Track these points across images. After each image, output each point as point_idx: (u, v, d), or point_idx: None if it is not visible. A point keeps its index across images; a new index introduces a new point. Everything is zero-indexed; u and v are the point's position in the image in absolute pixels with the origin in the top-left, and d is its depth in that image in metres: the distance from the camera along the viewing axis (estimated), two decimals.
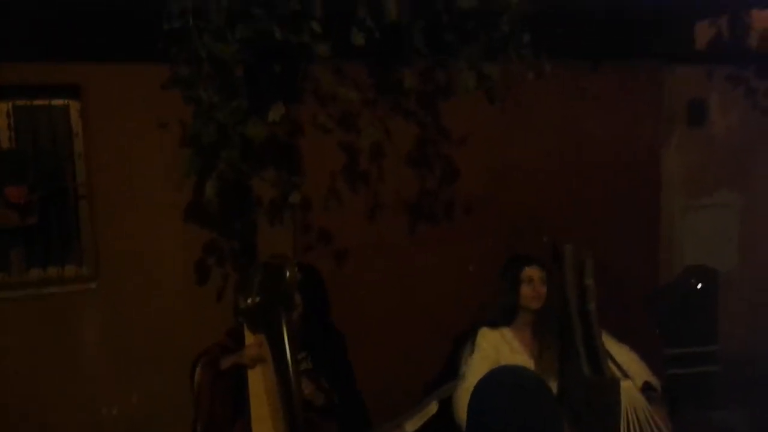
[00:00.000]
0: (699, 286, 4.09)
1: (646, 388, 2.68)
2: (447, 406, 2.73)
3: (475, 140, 3.63)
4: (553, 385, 2.75)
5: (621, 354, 2.80)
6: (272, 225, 3.40)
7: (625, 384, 2.49)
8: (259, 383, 2.51)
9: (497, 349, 2.77)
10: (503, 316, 2.82)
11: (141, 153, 3.21)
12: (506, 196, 3.74)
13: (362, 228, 3.52)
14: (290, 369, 2.29)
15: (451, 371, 2.87)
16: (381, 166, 3.52)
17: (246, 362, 2.49)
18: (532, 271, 2.78)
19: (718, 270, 4.16)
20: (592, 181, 3.88)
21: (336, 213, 3.45)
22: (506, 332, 2.81)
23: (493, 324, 2.82)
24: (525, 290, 2.77)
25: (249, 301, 2.50)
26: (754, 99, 4.39)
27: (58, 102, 3.19)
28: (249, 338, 2.56)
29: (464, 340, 2.90)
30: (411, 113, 3.54)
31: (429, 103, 3.55)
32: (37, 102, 3.16)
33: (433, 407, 2.64)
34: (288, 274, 2.34)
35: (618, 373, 2.62)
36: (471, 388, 2.66)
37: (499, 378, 1.64)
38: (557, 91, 3.74)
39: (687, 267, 4.25)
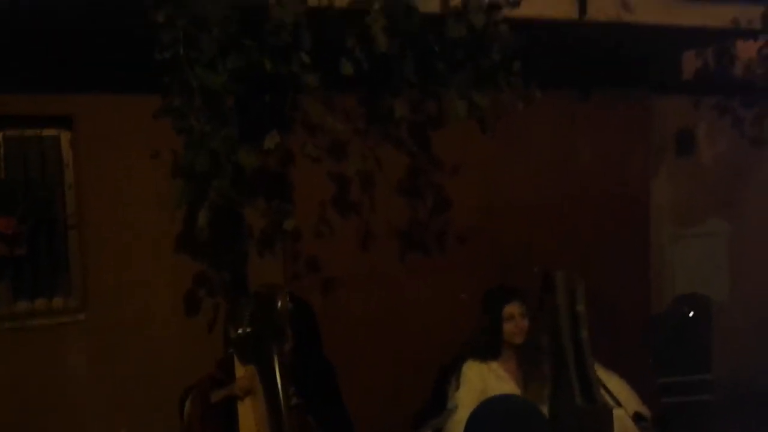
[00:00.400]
0: (691, 314, 4.08)
1: (637, 419, 2.68)
2: None
3: (466, 169, 3.65)
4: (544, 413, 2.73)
5: (611, 384, 2.79)
6: (262, 255, 3.39)
7: (617, 413, 2.49)
8: (248, 415, 2.47)
9: (483, 379, 2.79)
10: (488, 351, 2.85)
11: (132, 183, 3.21)
12: (497, 226, 3.75)
13: (353, 257, 3.52)
14: (281, 401, 2.26)
15: (438, 401, 2.86)
16: (372, 196, 3.53)
17: (237, 394, 2.46)
18: (512, 308, 2.83)
19: (710, 298, 4.16)
20: (583, 211, 3.90)
21: (326, 242, 3.45)
22: (492, 363, 2.83)
23: (479, 357, 2.82)
24: (507, 327, 2.83)
25: (240, 331, 2.46)
26: (741, 128, 4.45)
27: (49, 132, 3.19)
28: (239, 369, 2.52)
29: (449, 374, 2.89)
30: (402, 142, 3.56)
31: (420, 132, 3.58)
32: (28, 132, 3.16)
33: None
34: (279, 303, 2.32)
35: (611, 402, 2.60)
36: (463, 420, 2.66)
37: (492, 406, 1.63)
38: (547, 120, 3.78)
39: (679, 295, 4.24)
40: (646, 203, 4.13)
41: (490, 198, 3.75)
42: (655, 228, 4.24)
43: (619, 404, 2.61)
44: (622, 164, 4.03)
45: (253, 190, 3.28)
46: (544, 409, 2.69)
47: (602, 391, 2.61)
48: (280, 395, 2.25)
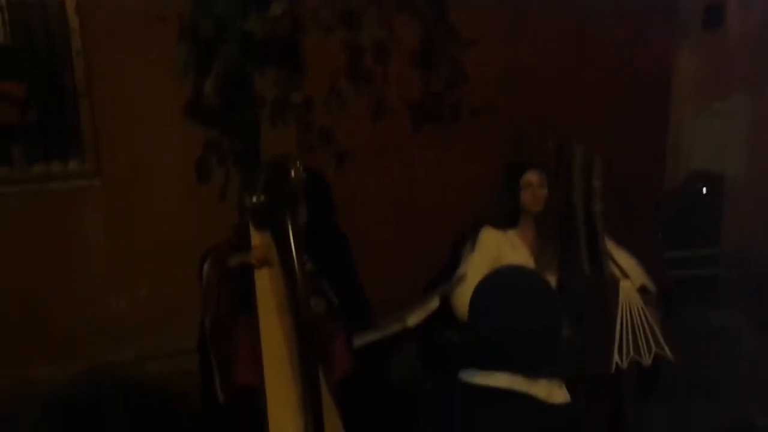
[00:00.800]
0: (704, 190, 4.09)
1: (643, 292, 2.73)
2: (448, 302, 2.78)
3: (482, 41, 3.53)
4: (553, 282, 2.79)
5: (620, 257, 2.83)
6: (274, 125, 3.36)
7: (624, 284, 2.53)
8: (265, 280, 2.54)
9: (498, 246, 2.81)
10: (506, 220, 2.85)
11: (140, 49, 3.13)
12: (513, 99, 3.67)
13: (365, 128, 3.48)
14: (296, 268, 2.31)
15: (453, 269, 2.91)
16: (386, 67, 3.44)
17: (253, 262, 2.52)
18: (532, 176, 2.79)
19: (724, 174, 4.15)
20: (602, 85, 3.80)
21: (339, 113, 3.40)
22: (509, 231, 2.84)
23: (497, 225, 2.84)
24: (525, 195, 2.80)
25: (254, 199, 2.49)
26: None
27: None
28: (255, 236, 2.57)
29: (466, 238, 2.93)
30: (418, 11, 3.42)
31: (437, 1, 3.43)
32: None
33: (434, 302, 2.67)
34: (293, 173, 2.32)
35: (618, 273, 2.65)
36: (472, 285, 2.71)
37: (501, 277, 1.65)
38: None
39: (693, 171, 4.23)
40: (668, 77, 4.02)
41: (507, 70, 3.64)
42: (676, 103, 4.14)
43: (626, 276, 2.65)
44: (645, 36, 3.88)
45: (263, 58, 3.21)
46: (554, 279, 2.77)
47: (610, 263, 2.65)
48: (295, 262, 2.29)
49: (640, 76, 3.88)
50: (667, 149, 4.13)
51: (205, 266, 2.54)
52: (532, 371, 1.56)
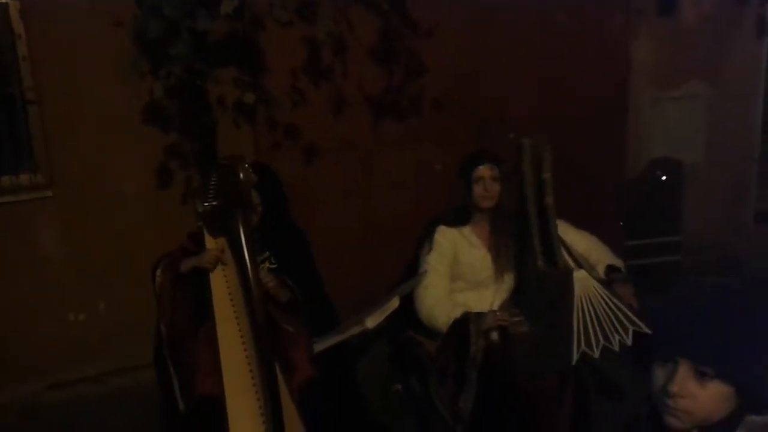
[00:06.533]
0: (664, 178, 4.11)
1: (610, 271, 2.72)
2: (409, 301, 2.76)
3: (441, 34, 3.51)
4: (510, 280, 2.78)
5: (582, 241, 2.81)
6: (237, 126, 3.32)
7: (578, 274, 2.49)
8: (222, 285, 2.50)
9: (455, 245, 2.78)
10: (458, 216, 2.82)
11: (91, 54, 3.08)
12: (473, 91, 3.66)
13: (326, 126, 3.45)
14: (249, 268, 2.27)
15: (415, 270, 2.88)
16: (344, 61, 3.41)
17: (205, 265, 2.48)
18: (482, 170, 2.73)
19: (683, 162, 4.17)
20: (560, 74, 3.80)
21: (299, 110, 3.37)
22: (464, 229, 2.81)
23: (450, 222, 2.81)
24: (476, 189, 2.74)
25: (206, 204, 2.45)
26: None
27: None
28: (209, 242, 2.54)
29: (423, 239, 2.90)
30: (375, 4, 3.38)
31: None
32: None
33: (394, 303, 2.65)
34: (242, 174, 2.28)
35: (572, 264, 2.64)
36: (431, 286, 2.72)
37: None
38: None
39: (652, 159, 4.25)
40: (625, 65, 4.03)
41: (465, 64, 3.63)
42: (634, 91, 4.16)
43: (580, 266, 2.63)
44: (602, 25, 3.89)
45: (219, 59, 3.16)
46: (512, 276, 2.76)
47: (564, 254, 2.64)
48: (248, 262, 2.26)
49: (598, 65, 3.89)
50: (628, 137, 4.14)
51: (157, 273, 2.50)
52: None
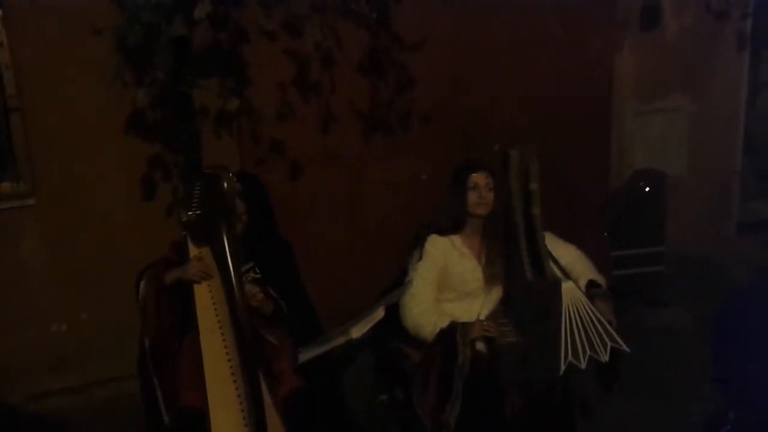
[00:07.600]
0: (647, 189, 4.15)
1: (591, 286, 2.73)
2: (395, 311, 2.75)
3: (428, 47, 3.52)
4: (499, 291, 2.79)
5: (567, 254, 2.82)
6: (219, 136, 3.30)
7: (566, 285, 2.51)
8: (205, 296, 2.49)
9: (445, 255, 2.77)
10: (451, 224, 2.80)
11: (74, 62, 3.06)
12: (460, 104, 3.68)
13: (314, 139, 3.44)
14: (233, 279, 2.26)
15: (403, 279, 2.88)
16: (332, 74, 3.41)
17: (189, 277, 2.46)
18: (478, 178, 2.74)
19: (666, 173, 4.22)
20: (545, 86, 3.82)
21: (285, 123, 3.36)
22: (455, 238, 2.79)
23: (442, 231, 2.81)
24: (471, 197, 2.74)
25: (190, 213, 2.44)
26: (707, 1, 4.34)
27: None
28: (193, 251, 2.52)
29: (413, 247, 2.89)
30: (362, 17, 3.40)
31: (380, 6, 3.41)
32: None
33: (379, 313, 2.64)
34: (225, 184, 2.27)
35: (559, 275, 2.65)
36: (419, 295, 2.71)
37: None
38: None
39: (636, 171, 4.29)
40: (608, 78, 4.06)
41: (453, 75, 3.65)
42: (618, 103, 4.20)
43: (569, 277, 2.64)
44: (585, 38, 3.92)
45: (204, 69, 3.15)
46: (501, 287, 2.77)
47: (552, 265, 2.65)
48: (232, 273, 2.25)
49: (582, 77, 3.92)
50: (612, 149, 4.18)
51: (141, 284, 2.49)
52: None
